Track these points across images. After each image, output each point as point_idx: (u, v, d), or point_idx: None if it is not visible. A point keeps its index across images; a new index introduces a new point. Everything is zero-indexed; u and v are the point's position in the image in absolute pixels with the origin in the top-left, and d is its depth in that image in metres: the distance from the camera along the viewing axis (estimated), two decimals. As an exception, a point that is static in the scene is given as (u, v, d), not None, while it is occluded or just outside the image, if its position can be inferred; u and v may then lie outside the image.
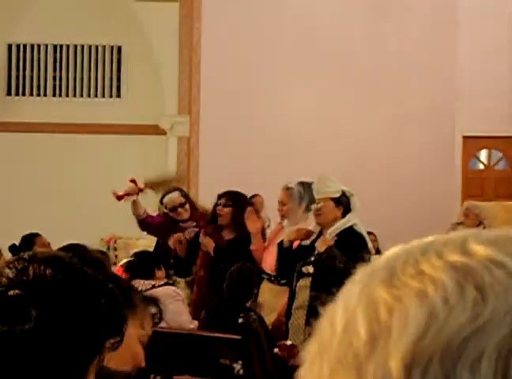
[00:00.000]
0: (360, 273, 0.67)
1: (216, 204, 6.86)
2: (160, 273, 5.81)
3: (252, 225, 6.68)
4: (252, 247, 6.66)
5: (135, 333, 2.16)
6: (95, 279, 1.41)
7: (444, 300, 0.58)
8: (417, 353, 0.57)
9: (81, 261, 1.43)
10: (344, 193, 6.01)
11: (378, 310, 0.60)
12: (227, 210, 6.77)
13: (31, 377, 1.29)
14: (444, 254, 0.61)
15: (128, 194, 7.44)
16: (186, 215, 7.12)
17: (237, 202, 6.81)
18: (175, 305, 5.64)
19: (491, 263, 0.60)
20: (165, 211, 7.20)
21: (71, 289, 1.35)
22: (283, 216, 6.77)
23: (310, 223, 6.45)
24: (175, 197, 7.20)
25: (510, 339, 0.57)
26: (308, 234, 6.03)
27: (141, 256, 5.79)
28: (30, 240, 7.06)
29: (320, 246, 5.89)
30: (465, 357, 0.57)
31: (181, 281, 6.88)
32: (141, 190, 7.42)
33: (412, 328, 0.58)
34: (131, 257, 5.82)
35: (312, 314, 5.94)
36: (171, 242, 6.98)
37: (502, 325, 0.57)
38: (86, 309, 1.35)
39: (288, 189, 6.67)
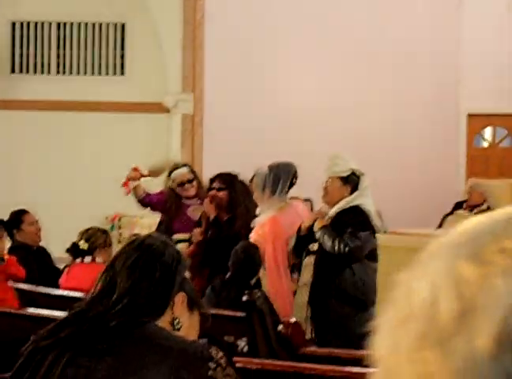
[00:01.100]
0: (439, 245, 0.67)
1: (210, 189, 6.80)
2: None
3: (208, 210, 6.69)
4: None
5: None
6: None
7: None
8: (506, 330, 0.57)
9: None
10: (354, 173, 6.00)
11: (465, 287, 0.60)
12: (221, 193, 6.74)
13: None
14: None
15: (131, 180, 7.46)
16: (192, 192, 7.12)
17: (230, 184, 6.77)
18: None
19: None
20: (171, 186, 7.18)
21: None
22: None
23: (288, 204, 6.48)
24: (184, 172, 7.20)
25: None
26: (323, 215, 6.02)
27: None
28: (18, 217, 7.08)
29: (316, 226, 5.90)
30: None
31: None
32: (143, 176, 7.43)
33: (500, 306, 0.57)
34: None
35: (315, 292, 5.96)
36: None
37: None
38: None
39: (255, 175, 6.68)
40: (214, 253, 6.48)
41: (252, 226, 6.50)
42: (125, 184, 7.52)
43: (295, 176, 6.53)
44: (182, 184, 7.12)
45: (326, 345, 5.50)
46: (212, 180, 6.83)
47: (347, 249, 5.71)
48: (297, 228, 6.18)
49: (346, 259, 5.76)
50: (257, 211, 6.59)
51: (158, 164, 7.87)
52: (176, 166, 7.41)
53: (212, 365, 2.29)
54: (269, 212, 6.46)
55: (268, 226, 6.33)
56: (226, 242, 6.40)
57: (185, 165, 7.52)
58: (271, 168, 6.56)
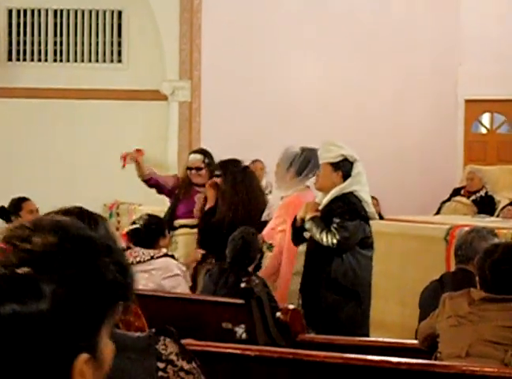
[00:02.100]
0: None
1: (216, 175, 6.83)
2: (164, 241, 5.77)
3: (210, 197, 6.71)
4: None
5: None
6: (102, 243, 1.38)
7: None
8: None
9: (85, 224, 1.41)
10: (346, 159, 5.96)
11: None
12: (219, 180, 6.76)
13: (43, 349, 1.28)
14: None
15: (129, 157, 7.44)
16: (199, 180, 7.09)
17: (228, 170, 6.79)
18: (172, 280, 5.60)
19: None
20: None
21: (79, 258, 1.32)
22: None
23: (305, 190, 6.48)
24: (196, 158, 7.18)
25: None
26: (316, 207, 6.00)
27: (148, 223, 5.72)
28: (18, 204, 7.09)
29: (306, 216, 5.88)
30: None
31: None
32: (138, 162, 7.37)
33: None
34: (138, 221, 5.76)
35: (306, 280, 5.96)
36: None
37: None
38: (97, 276, 1.33)
39: (283, 152, 6.65)
40: (206, 240, 6.58)
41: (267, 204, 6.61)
42: (123, 158, 7.51)
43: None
44: (190, 169, 7.12)
45: (317, 334, 5.50)
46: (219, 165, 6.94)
47: (334, 241, 5.69)
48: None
49: (336, 249, 5.74)
50: (274, 186, 6.61)
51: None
52: (194, 151, 7.45)
53: (160, 365, 1.92)
54: (289, 191, 6.47)
55: (292, 204, 6.36)
56: (211, 229, 6.48)
57: (202, 152, 7.41)
58: (303, 150, 6.54)
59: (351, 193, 5.88)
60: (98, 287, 1.32)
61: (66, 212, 2.23)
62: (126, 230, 5.70)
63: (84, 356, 1.31)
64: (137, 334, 2.00)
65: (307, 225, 5.82)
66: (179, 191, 7.14)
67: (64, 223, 1.37)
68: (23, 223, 1.36)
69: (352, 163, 5.95)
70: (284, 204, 6.52)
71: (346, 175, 5.92)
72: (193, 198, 7.11)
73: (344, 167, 5.92)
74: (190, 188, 7.11)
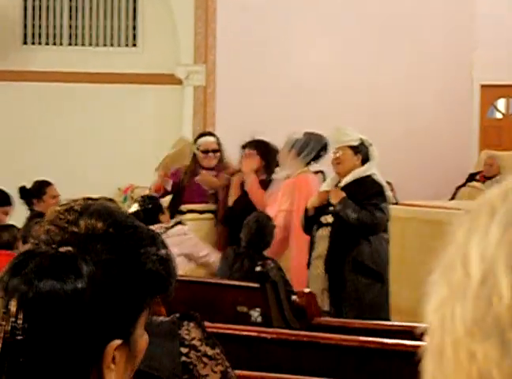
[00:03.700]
0: (490, 210, 0.54)
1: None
2: (164, 217, 5.84)
3: (246, 165, 6.71)
4: (246, 188, 6.70)
5: None
6: (146, 233, 1.39)
7: None
8: None
9: None
10: (362, 143, 5.98)
11: None
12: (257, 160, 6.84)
13: (78, 330, 1.29)
14: None
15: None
16: (214, 162, 7.10)
17: (262, 149, 6.85)
18: (191, 240, 5.73)
19: None
20: (196, 152, 7.17)
21: (122, 244, 1.33)
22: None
23: (304, 171, 6.51)
24: (211, 140, 7.19)
25: None
26: (326, 195, 6.01)
27: (144, 204, 5.79)
28: (42, 188, 7.08)
29: (333, 198, 5.88)
30: None
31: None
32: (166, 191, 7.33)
33: None
34: (134, 205, 5.82)
35: (331, 264, 5.96)
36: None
37: None
38: (137, 264, 1.33)
39: (287, 137, 6.73)
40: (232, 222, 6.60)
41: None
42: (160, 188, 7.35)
43: (325, 148, 6.55)
44: (206, 152, 7.10)
45: (342, 317, 5.51)
46: (244, 146, 6.94)
47: (376, 221, 5.70)
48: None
49: (364, 230, 5.75)
50: (278, 169, 6.68)
51: (176, 151, 7.86)
52: (203, 134, 7.45)
53: (183, 350, 1.88)
54: (290, 171, 6.51)
55: (297, 185, 6.39)
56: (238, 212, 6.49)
57: (213, 134, 7.48)
58: (305, 134, 6.61)
59: (370, 177, 5.90)
60: (136, 276, 1.33)
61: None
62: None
63: (117, 342, 1.32)
64: (161, 318, 2.00)
65: (338, 207, 5.80)
66: (184, 177, 7.12)
67: (112, 209, 1.39)
68: (72, 205, 1.37)
69: (367, 148, 5.98)
70: (288, 183, 6.54)
71: (363, 159, 5.95)
72: (198, 183, 7.10)
73: (362, 151, 5.95)
74: (195, 172, 7.10)
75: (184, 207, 7.03)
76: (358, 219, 5.71)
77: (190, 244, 5.74)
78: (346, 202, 5.78)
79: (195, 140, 7.30)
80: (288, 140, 6.68)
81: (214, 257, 6.09)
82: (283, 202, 6.50)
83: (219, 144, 7.21)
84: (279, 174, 6.63)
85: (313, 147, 6.52)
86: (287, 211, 6.45)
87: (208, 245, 6.38)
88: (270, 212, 6.43)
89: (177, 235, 5.65)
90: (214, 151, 7.09)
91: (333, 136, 6.14)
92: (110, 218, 1.35)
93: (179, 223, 5.87)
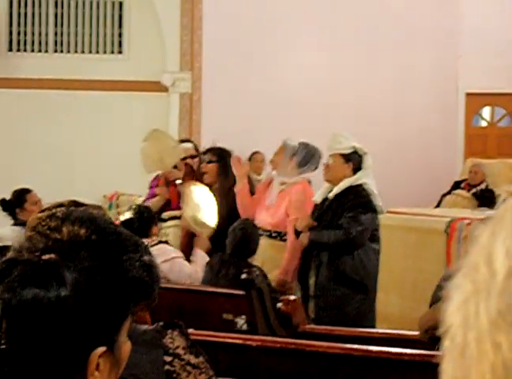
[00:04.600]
0: None
1: (208, 162, 6.86)
2: (156, 229, 5.80)
3: (237, 169, 6.69)
4: (235, 189, 6.67)
5: None
6: (130, 240, 1.39)
7: None
8: None
9: None
10: (356, 151, 5.97)
11: None
12: (211, 166, 6.78)
13: (62, 338, 1.28)
14: None
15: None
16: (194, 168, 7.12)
17: (221, 157, 6.82)
18: (169, 263, 5.64)
19: None
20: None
21: (105, 251, 1.33)
22: (273, 168, 6.77)
23: (299, 181, 6.49)
24: (189, 147, 7.21)
25: None
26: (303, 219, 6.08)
27: (140, 212, 5.75)
28: (22, 196, 7.03)
29: (298, 225, 5.89)
30: None
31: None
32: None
33: None
34: (130, 211, 5.78)
35: (316, 272, 5.96)
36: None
37: None
38: (121, 271, 1.33)
39: (284, 142, 6.66)
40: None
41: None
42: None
43: (320, 161, 6.52)
44: (184, 158, 7.11)
45: (322, 325, 5.51)
46: (203, 153, 6.94)
47: (351, 236, 5.70)
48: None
49: (343, 248, 5.75)
50: (273, 173, 6.62)
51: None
52: (181, 141, 7.46)
53: (167, 358, 1.90)
54: (290, 180, 6.48)
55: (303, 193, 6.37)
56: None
57: (189, 141, 7.54)
58: (306, 144, 6.55)
59: (360, 186, 5.88)
60: (120, 282, 1.32)
61: (60, 205, 2.23)
62: (119, 220, 5.70)
63: (101, 349, 1.31)
64: (145, 327, 2.00)
65: (312, 236, 5.82)
66: (166, 185, 7.11)
67: (94, 216, 1.38)
68: (54, 212, 1.36)
69: (360, 156, 5.96)
70: (296, 190, 6.46)
71: (355, 168, 5.93)
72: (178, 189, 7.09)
73: (354, 159, 5.93)
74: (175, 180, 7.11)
75: (166, 214, 7.01)
76: (333, 242, 5.74)
77: (165, 267, 5.63)
78: (316, 231, 5.81)
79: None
80: (286, 147, 6.56)
81: (197, 276, 5.96)
82: (296, 209, 6.42)
83: (197, 149, 7.26)
84: (277, 179, 6.57)
85: (316, 160, 6.46)
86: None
87: (193, 265, 6.21)
88: (260, 215, 6.45)
89: (157, 255, 5.54)
90: (192, 156, 7.12)
91: (328, 143, 6.13)
92: (92, 224, 1.34)
93: (163, 242, 5.77)
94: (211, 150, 6.97)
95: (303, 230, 5.96)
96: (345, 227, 5.72)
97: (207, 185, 6.67)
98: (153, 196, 7.19)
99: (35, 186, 7.39)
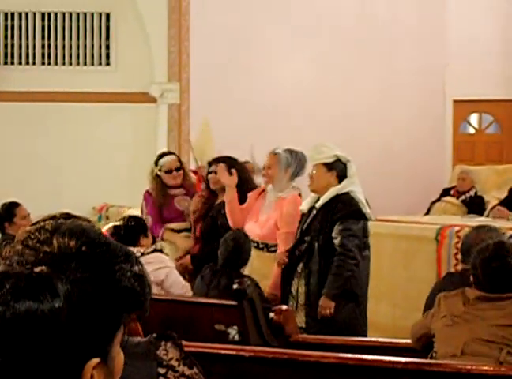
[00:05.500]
0: None
1: (209, 172, 6.89)
2: (146, 241, 5.77)
3: (226, 179, 6.67)
4: (225, 198, 6.66)
5: None
6: (120, 250, 1.38)
7: None
8: None
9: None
10: (339, 159, 5.96)
11: None
12: (220, 167, 6.78)
13: (56, 350, 1.28)
14: None
15: None
16: (179, 181, 7.12)
17: (230, 163, 6.83)
18: (165, 271, 5.65)
19: None
20: (158, 173, 7.15)
21: (96, 262, 1.32)
22: (268, 181, 6.71)
23: (296, 191, 6.48)
24: (172, 159, 7.20)
25: None
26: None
27: (128, 221, 5.74)
28: (11, 210, 6.96)
29: (323, 310, 5.83)
30: None
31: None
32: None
33: None
34: (119, 221, 5.76)
35: (307, 282, 5.97)
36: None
37: None
38: (112, 281, 1.32)
39: (275, 154, 6.61)
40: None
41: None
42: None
43: (306, 166, 6.53)
44: (169, 171, 7.10)
45: (313, 334, 5.50)
46: (210, 163, 6.93)
47: (351, 254, 5.70)
48: None
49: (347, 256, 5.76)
50: (269, 187, 6.60)
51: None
52: (163, 154, 7.44)
53: (161, 370, 1.90)
54: (283, 192, 6.47)
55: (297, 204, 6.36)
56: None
57: (172, 153, 7.55)
58: (295, 152, 6.51)
59: (348, 194, 5.87)
60: (112, 292, 1.32)
61: (52, 218, 2.22)
62: (106, 228, 5.68)
63: (95, 360, 1.30)
64: (138, 339, 1.99)
65: (335, 291, 5.82)
66: (157, 199, 7.09)
67: (84, 227, 1.38)
68: (42, 225, 1.36)
69: (344, 164, 5.95)
70: (289, 202, 6.44)
71: (340, 176, 5.92)
72: (172, 203, 7.09)
73: (337, 168, 5.92)
74: (165, 192, 7.10)
75: (177, 225, 7.04)
76: (349, 270, 5.72)
77: (161, 276, 5.63)
78: (330, 284, 5.78)
79: (156, 162, 7.24)
80: (279, 158, 6.52)
81: (188, 291, 5.95)
82: (287, 224, 6.40)
83: (180, 161, 7.27)
84: (271, 193, 6.56)
85: (304, 168, 6.46)
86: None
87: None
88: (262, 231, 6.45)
89: (152, 263, 5.53)
90: (177, 169, 7.11)
91: (310, 154, 6.14)
92: (82, 236, 1.34)
93: (158, 250, 5.77)
94: (217, 159, 6.98)
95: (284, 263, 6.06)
96: (344, 243, 5.70)
97: (216, 190, 6.80)
98: (154, 211, 7.15)
99: (23, 199, 7.35)
